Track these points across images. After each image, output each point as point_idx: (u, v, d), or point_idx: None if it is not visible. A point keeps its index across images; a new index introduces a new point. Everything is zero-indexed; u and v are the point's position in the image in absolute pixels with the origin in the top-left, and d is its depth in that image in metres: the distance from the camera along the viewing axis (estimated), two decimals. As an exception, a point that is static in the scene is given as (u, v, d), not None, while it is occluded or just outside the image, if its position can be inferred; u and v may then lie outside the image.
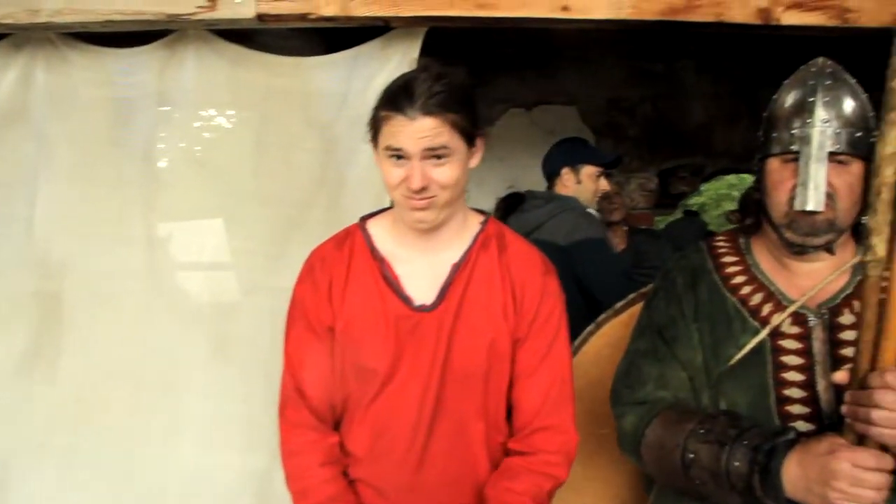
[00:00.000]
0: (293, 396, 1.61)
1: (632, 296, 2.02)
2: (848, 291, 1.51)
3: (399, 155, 1.46)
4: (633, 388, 1.62)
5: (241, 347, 2.31)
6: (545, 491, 1.56)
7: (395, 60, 2.23)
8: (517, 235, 1.70)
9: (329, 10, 2.08)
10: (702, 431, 1.42)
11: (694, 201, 6.39)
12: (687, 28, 2.21)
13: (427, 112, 1.43)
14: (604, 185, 3.24)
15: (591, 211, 3.13)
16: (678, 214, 5.55)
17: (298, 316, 1.63)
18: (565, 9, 2.08)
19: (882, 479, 1.23)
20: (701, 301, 1.60)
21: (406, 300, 1.57)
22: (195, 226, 2.37)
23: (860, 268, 1.49)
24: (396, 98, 1.46)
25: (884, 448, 1.25)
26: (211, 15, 2.11)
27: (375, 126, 1.51)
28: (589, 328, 2.03)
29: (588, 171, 3.07)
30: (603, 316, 2.03)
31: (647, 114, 4.39)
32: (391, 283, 1.57)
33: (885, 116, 1.20)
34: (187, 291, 2.36)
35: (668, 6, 2.09)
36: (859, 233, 1.54)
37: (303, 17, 2.10)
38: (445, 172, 1.47)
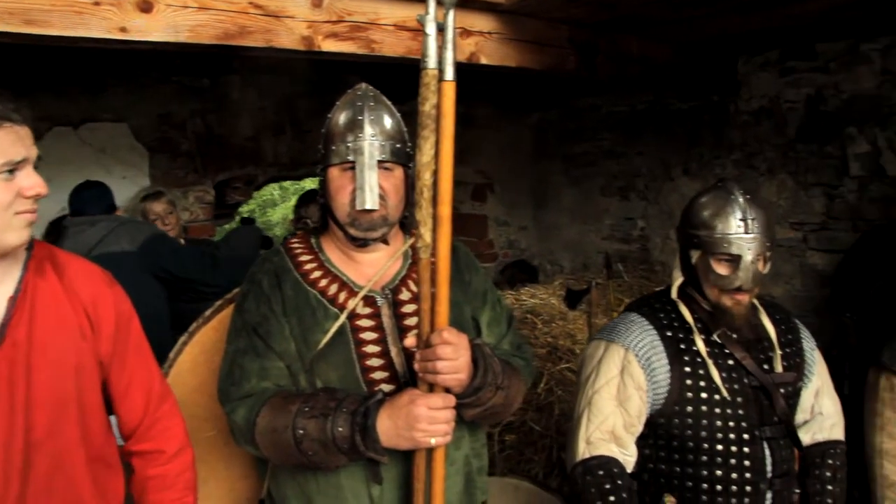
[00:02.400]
0: None
1: (219, 303, 2.12)
2: (403, 273, 1.84)
3: (12, 169, 1.39)
4: (238, 384, 1.72)
5: None
6: (190, 479, 1.71)
7: None
8: (68, 254, 1.68)
9: None
10: (306, 409, 1.61)
11: (244, 209, 6.66)
12: (240, 51, 2.39)
13: (25, 120, 1.41)
14: (156, 209, 3.82)
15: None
16: (235, 223, 5.75)
17: None
18: (123, 30, 2.09)
19: (450, 413, 1.59)
20: (287, 297, 1.78)
21: None
22: None
23: (409, 253, 1.85)
24: None
25: (447, 390, 1.60)
26: None
27: None
28: (182, 338, 2.07)
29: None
30: (194, 325, 2.09)
31: (198, 129, 4.41)
32: None
33: (420, 133, 1.51)
34: None
35: (223, 32, 2.24)
36: (404, 225, 1.90)
37: None
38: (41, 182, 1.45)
